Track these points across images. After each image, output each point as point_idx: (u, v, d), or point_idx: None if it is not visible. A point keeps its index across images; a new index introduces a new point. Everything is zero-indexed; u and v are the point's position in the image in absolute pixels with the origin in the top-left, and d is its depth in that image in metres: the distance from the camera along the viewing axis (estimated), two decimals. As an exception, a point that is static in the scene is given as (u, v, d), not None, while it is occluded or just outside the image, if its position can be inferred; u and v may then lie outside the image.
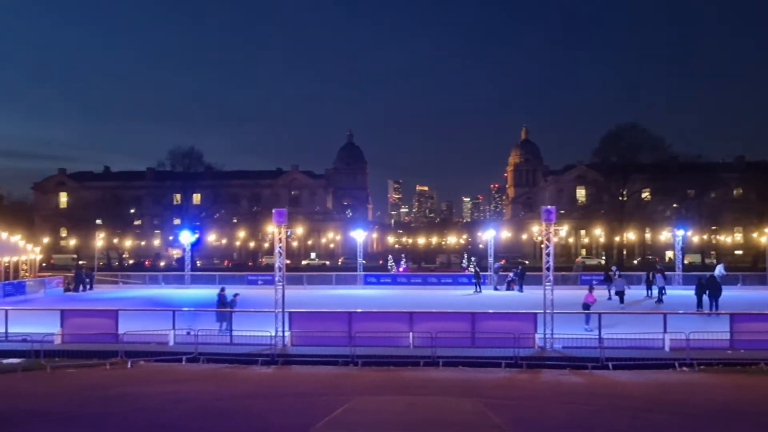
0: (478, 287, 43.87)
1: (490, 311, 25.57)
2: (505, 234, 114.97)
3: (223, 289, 27.92)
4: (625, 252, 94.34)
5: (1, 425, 14.43)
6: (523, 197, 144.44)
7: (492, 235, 53.69)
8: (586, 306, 25.55)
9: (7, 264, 45.09)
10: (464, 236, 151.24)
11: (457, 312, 25.81)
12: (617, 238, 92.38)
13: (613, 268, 43.66)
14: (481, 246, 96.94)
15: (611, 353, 20.89)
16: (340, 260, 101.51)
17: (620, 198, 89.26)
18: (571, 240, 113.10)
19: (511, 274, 45.90)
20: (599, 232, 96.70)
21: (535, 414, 15.30)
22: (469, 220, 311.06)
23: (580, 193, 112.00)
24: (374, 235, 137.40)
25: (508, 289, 44.40)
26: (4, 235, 45.47)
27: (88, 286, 46.65)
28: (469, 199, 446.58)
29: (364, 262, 53.31)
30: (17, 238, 47.91)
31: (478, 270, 47.43)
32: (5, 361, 21.56)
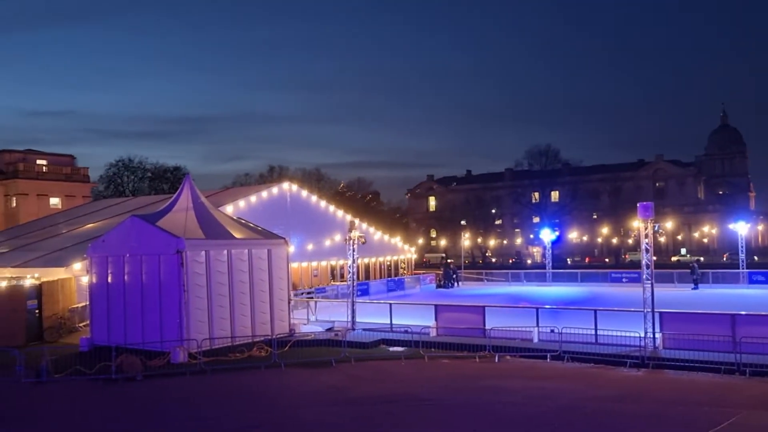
0: None
1: None
2: None
3: None
4: None
5: (390, 403, 16.14)
6: None
7: None
8: None
9: (389, 263, 51.03)
10: None
11: None
12: None
13: None
14: None
15: None
16: (725, 256, 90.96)
17: None
18: None
19: None
20: None
21: None
22: None
23: None
24: (759, 227, 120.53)
25: None
26: (386, 237, 51.52)
27: (456, 283, 50.12)
28: None
29: (756, 258, 46.95)
30: (396, 240, 53.81)
31: None
32: (391, 348, 24.19)
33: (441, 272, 52.25)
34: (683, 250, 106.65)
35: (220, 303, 23.91)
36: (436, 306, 26.91)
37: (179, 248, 22.74)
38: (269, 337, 23.94)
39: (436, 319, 25.91)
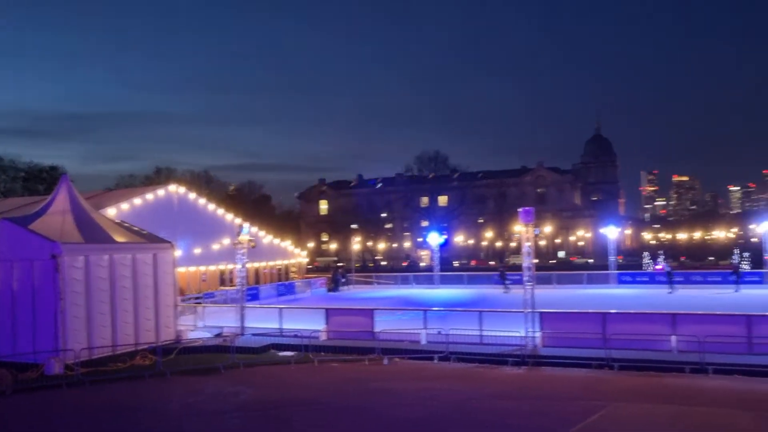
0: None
1: (770, 314, 22.37)
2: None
3: None
4: None
5: (281, 409, 16.04)
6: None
7: (769, 228, 47.20)
8: None
9: (279, 267, 50.55)
10: (734, 229, 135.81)
11: (728, 314, 23.02)
12: None
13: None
14: (754, 240, 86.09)
15: None
16: (620, 258, 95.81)
17: None
18: None
19: None
20: None
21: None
22: (739, 211, 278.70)
23: None
24: (627, 231, 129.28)
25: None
26: (277, 240, 50.98)
27: (344, 286, 50.52)
28: (738, 188, 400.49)
29: (644, 259, 50.41)
30: (287, 243, 53.37)
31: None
32: (281, 353, 24.02)
33: (330, 276, 52.47)
34: (561, 253, 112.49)
35: (101, 310, 22.85)
36: (326, 310, 26.99)
37: (55, 253, 21.54)
38: (154, 345, 23.13)
39: (326, 323, 25.99)
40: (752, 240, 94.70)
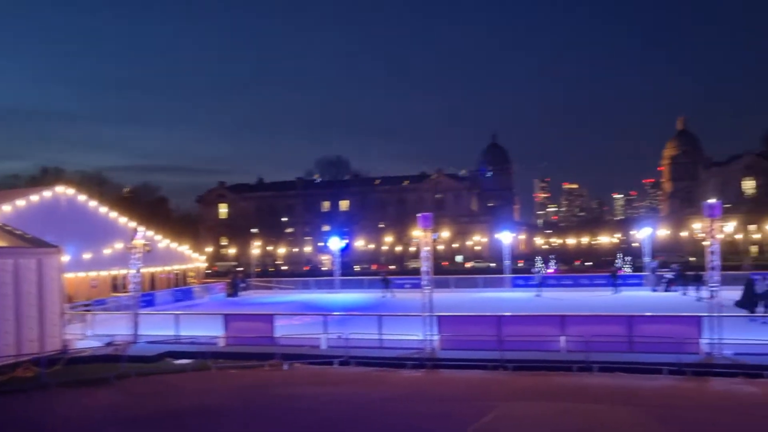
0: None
1: (648, 314, 24.01)
2: (663, 231, 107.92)
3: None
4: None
5: (177, 419, 15.58)
6: (682, 192, 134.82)
7: (648, 233, 50.63)
8: None
9: (177, 272, 49.04)
10: (617, 235, 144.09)
11: (611, 315, 24.48)
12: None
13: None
14: (635, 245, 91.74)
15: (792, 360, 18.80)
16: (521, 262, 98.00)
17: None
18: (740, 236, 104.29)
19: (669, 274, 43.15)
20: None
21: (705, 426, 14.10)
22: (622, 217, 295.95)
23: (748, 185, 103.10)
24: (522, 236, 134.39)
25: (667, 290, 41.73)
26: (174, 245, 49.44)
27: (244, 292, 49.75)
28: (621, 196, 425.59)
29: (536, 263, 52.42)
30: (185, 248, 51.85)
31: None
32: (177, 361, 23.32)
33: (230, 281, 51.51)
34: (459, 257, 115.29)
35: (-21, 319, 21.39)
36: (225, 315, 26.47)
37: (-73, 259, 19.98)
38: (38, 356, 21.88)
39: (225, 329, 25.49)
40: (633, 245, 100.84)
